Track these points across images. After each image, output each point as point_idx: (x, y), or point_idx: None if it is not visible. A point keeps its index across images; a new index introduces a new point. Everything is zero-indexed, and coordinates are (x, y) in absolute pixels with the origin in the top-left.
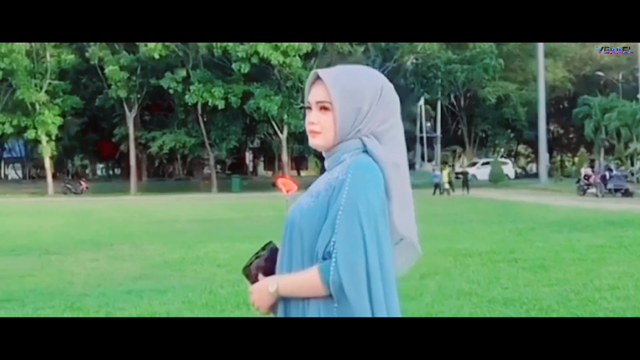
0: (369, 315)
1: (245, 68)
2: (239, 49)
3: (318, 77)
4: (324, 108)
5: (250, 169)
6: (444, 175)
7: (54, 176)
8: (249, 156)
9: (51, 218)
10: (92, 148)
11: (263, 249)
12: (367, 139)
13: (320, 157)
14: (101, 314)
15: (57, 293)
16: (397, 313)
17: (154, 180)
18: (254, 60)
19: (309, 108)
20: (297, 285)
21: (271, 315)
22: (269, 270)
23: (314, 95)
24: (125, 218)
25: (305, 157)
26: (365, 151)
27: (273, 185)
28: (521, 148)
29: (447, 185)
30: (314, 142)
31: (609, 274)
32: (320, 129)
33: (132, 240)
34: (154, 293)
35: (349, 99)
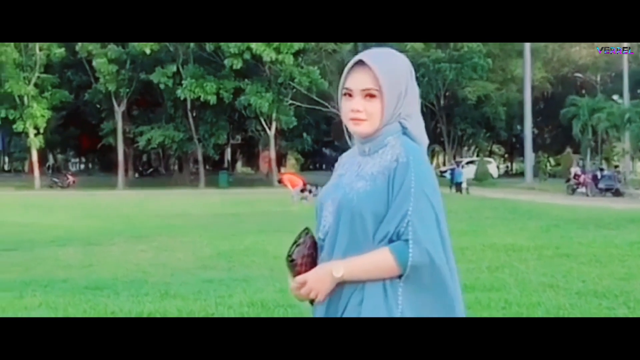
0: (445, 294)
1: (238, 64)
2: (232, 45)
3: (359, 63)
4: (370, 95)
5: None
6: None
7: (32, 170)
8: (230, 152)
9: (59, 211)
10: (73, 142)
11: (299, 236)
12: (405, 122)
13: (303, 154)
14: (211, 302)
15: (141, 282)
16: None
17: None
18: (246, 56)
19: (349, 95)
20: (367, 268)
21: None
22: (312, 258)
23: (358, 82)
24: (138, 212)
25: (285, 154)
26: (404, 133)
27: (279, 182)
28: (495, 148)
29: (465, 184)
30: (358, 129)
31: None
32: (366, 116)
33: (166, 233)
34: (240, 282)
35: (395, 84)
